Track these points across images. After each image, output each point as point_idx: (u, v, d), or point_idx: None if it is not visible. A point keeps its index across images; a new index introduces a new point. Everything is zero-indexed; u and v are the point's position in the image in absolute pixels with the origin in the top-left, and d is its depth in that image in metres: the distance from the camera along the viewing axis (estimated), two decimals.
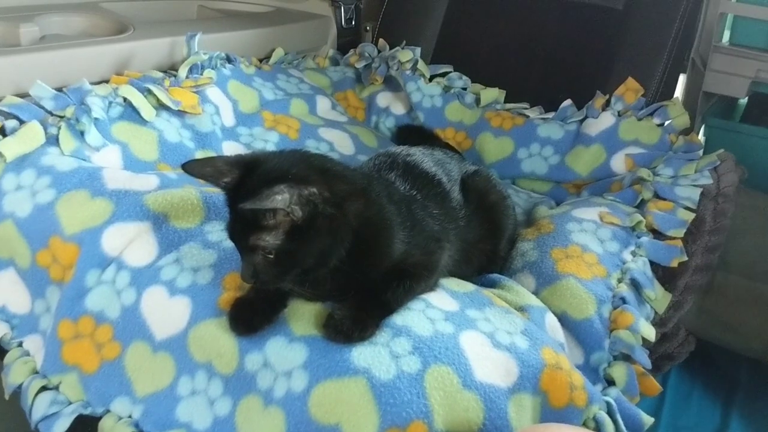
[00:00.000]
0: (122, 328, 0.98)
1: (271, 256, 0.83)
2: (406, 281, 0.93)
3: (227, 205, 0.86)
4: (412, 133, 1.69)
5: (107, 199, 1.05)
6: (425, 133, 1.68)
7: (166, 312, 0.96)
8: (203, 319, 0.93)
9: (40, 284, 1.06)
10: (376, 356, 0.85)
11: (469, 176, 1.16)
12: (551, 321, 1.05)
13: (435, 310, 0.94)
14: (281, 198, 0.77)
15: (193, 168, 0.85)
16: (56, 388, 0.99)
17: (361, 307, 0.89)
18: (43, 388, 0.99)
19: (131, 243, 1.02)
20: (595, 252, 1.18)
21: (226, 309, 0.92)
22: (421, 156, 1.12)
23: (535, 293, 1.12)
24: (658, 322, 1.21)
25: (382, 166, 1.07)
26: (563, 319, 1.08)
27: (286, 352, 0.87)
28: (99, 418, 0.96)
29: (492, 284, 1.13)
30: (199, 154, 1.33)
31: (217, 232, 1.04)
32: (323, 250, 0.84)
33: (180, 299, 0.96)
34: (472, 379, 0.86)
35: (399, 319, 0.90)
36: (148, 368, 0.96)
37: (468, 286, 1.05)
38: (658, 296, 1.18)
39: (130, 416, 0.95)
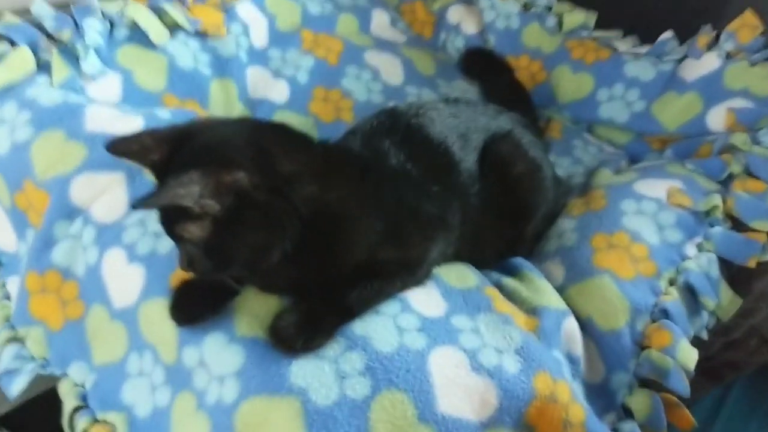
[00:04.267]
0: (86, 288, 0.92)
1: (200, 250, 0.71)
2: (376, 282, 0.79)
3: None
4: (480, 60, 1.46)
5: (81, 142, 0.95)
6: (495, 60, 1.45)
7: (123, 279, 0.88)
8: (153, 295, 0.84)
9: (21, 226, 1.00)
10: (318, 374, 0.72)
11: (495, 141, 0.95)
12: (569, 328, 0.88)
13: (411, 315, 0.80)
14: (185, 192, 0.64)
15: (117, 147, 0.72)
16: (23, 341, 0.95)
17: (314, 310, 0.76)
18: (14, 339, 0.96)
19: (101, 195, 0.93)
20: (648, 243, 0.96)
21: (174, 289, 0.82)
22: (434, 116, 0.93)
23: (561, 288, 0.94)
24: (720, 331, 1.00)
25: (379, 129, 0.90)
26: (587, 327, 0.90)
27: (222, 354, 0.76)
28: None
29: (512, 271, 0.96)
30: (216, 83, 1.20)
31: None
32: (260, 245, 0.71)
33: (136, 267, 0.87)
34: (433, 411, 0.72)
35: (359, 326, 0.77)
36: (106, 336, 0.89)
37: (469, 281, 0.89)
38: (724, 302, 0.96)
39: (83, 385, 0.90)
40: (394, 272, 0.80)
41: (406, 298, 0.82)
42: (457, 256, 0.93)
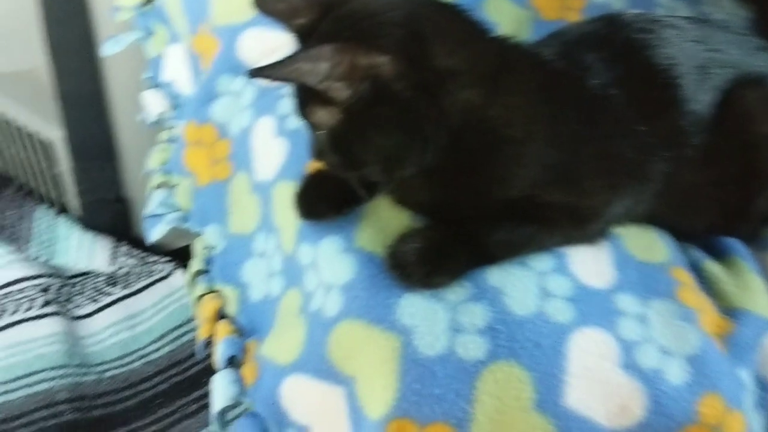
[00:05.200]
0: (237, 150, 0.86)
1: (328, 140, 0.60)
2: (530, 226, 0.64)
3: None
4: None
5: None
6: None
7: (267, 150, 0.81)
8: (288, 177, 0.76)
9: (196, 70, 0.96)
10: (429, 317, 0.61)
11: (743, 85, 0.71)
12: None
13: (564, 278, 0.64)
14: (310, 68, 0.52)
15: (263, 3, 0.62)
16: (173, 188, 0.94)
17: (445, 240, 0.63)
18: (165, 185, 0.95)
19: (268, 54, 0.85)
20: None
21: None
22: (668, 35, 0.70)
23: None
24: None
25: (588, 38, 0.70)
26: None
27: (334, 261, 0.66)
28: None
29: (719, 253, 0.75)
30: None
31: None
32: (391, 150, 0.58)
33: (282, 141, 0.79)
34: (555, 401, 0.58)
35: (495, 275, 0.63)
36: (244, 205, 0.84)
37: (656, 253, 0.70)
38: None
39: (214, 249, 0.86)
40: (557, 220, 0.64)
41: (564, 255, 0.66)
42: (653, 219, 0.73)
